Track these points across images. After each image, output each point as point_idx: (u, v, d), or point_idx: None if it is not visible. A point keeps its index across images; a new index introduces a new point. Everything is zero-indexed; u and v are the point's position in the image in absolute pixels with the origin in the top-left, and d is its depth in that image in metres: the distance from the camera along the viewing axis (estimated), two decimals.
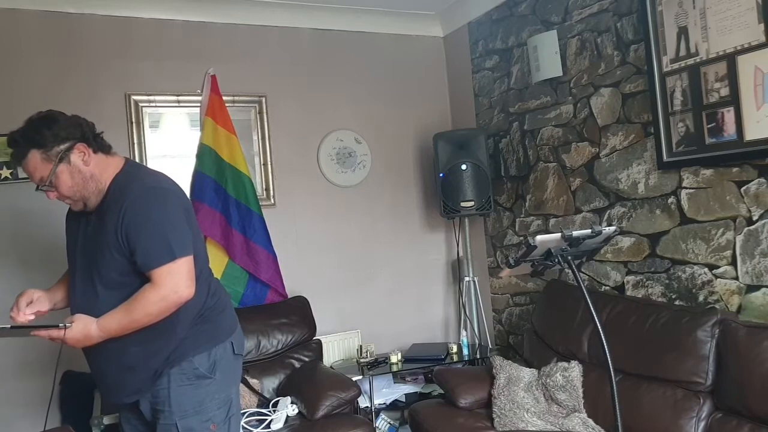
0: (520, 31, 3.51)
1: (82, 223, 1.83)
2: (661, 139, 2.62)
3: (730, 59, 2.30)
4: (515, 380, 2.73)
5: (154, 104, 3.40)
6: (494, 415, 2.65)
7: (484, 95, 3.87)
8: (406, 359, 3.47)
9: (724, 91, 2.33)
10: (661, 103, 2.60)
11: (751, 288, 2.35)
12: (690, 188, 2.56)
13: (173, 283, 1.69)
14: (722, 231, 2.44)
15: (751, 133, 2.25)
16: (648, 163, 2.75)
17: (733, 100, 2.30)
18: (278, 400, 2.92)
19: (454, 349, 3.56)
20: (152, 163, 3.32)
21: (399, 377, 3.65)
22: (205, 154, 3.37)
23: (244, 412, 2.77)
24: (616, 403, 1.78)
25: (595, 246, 1.95)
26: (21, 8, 3.09)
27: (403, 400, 3.52)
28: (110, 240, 1.71)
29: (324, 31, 3.83)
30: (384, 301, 3.95)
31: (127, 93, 3.32)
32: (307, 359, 3.28)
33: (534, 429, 2.49)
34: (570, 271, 1.82)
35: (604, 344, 1.78)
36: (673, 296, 2.68)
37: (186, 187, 3.31)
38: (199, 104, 3.47)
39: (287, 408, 2.85)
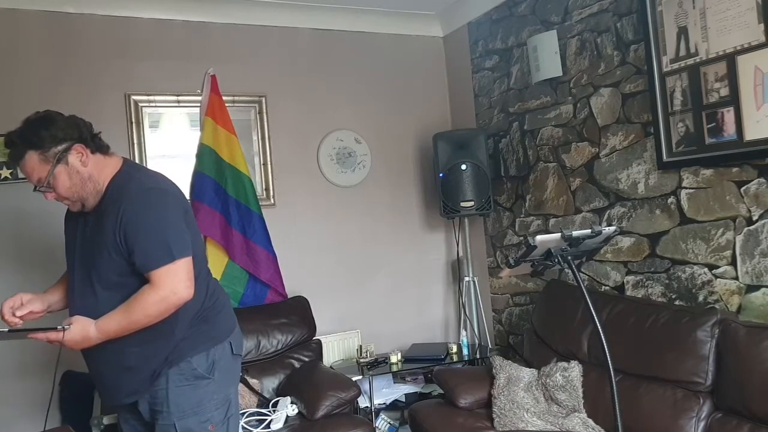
0: (520, 31, 3.51)
1: (81, 223, 1.82)
2: (661, 139, 2.62)
3: (730, 59, 2.30)
4: (515, 380, 2.73)
5: (153, 104, 3.40)
6: (494, 415, 2.65)
7: (484, 95, 3.87)
8: (406, 359, 3.47)
9: (724, 91, 2.33)
10: (661, 103, 2.60)
11: (751, 288, 2.35)
12: (690, 188, 2.56)
13: (172, 284, 1.69)
14: (722, 231, 2.44)
15: (751, 133, 2.25)
16: (648, 163, 2.75)
17: (733, 100, 2.30)
18: (278, 400, 2.92)
19: (454, 349, 3.56)
20: (152, 163, 3.32)
21: (399, 377, 3.65)
22: (204, 154, 3.37)
23: (244, 412, 2.77)
24: (616, 403, 1.78)
25: (595, 246, 1.95)
26: (21, 8, 3.09)
27: (403, 400, 3.52)
28: (108, 241, 1.70)
29: (324, 31, 3.83)
30: (384, 301, 3.95)
31: (126, 93, 3.32)
32: (306, 359, 3.28)
33: (534, 429, 2.49)
34: (570, 271, 1.82)
35: (604, 344, 1.78)
36: (673, 296, 2.68)
37: (186, 187, 3.32)
38: (199, 104, 3.47)
39: (287, 408, 2.85)
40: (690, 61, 2.47)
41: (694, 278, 2.58)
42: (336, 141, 3.86)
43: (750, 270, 2.34)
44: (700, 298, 2.56)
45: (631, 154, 2.83)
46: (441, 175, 3.61)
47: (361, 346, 3.57)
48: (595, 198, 3.07)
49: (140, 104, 3.35)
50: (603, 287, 3.04)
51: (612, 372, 1.77)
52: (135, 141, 3.33)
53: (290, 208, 3.71)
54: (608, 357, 1.77)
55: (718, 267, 2.47)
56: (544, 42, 3.19)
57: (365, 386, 3.29)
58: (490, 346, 3.78)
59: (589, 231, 1.81)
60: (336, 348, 3.71)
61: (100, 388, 1.92)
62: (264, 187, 3.65)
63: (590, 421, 2.46)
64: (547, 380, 2.65)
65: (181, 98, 3.45)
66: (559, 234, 1.78)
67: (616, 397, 1.78)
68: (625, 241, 2.90)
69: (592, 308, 1.80)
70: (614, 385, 1.78)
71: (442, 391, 3.06)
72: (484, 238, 3.96)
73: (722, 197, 2.42)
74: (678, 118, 2.55)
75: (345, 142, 3.88)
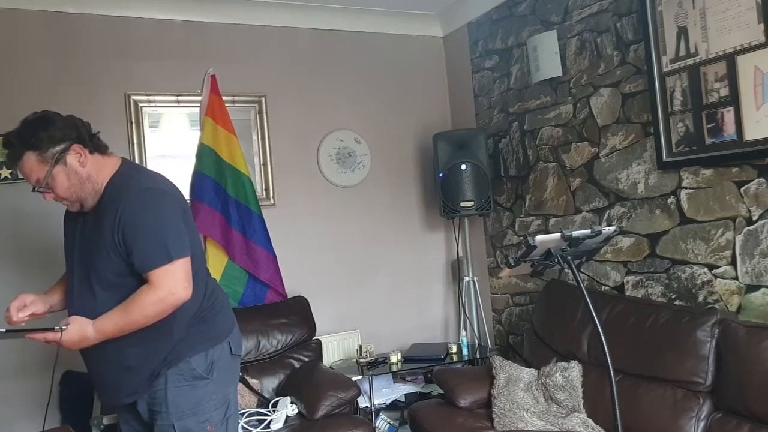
0: (520, 31, 3.51)
1: (79, 223, 1.82)
2: (661, 139, 2.62)
3: (730, 59, 2.30)
4: (515, 380, 2.73)
5: (153, 104, 3.40)
6: (494, 415, 2.64)
7: (484, 95, 3.87)
8: (405, 359, 3.47)
9: (724, 91, 2.33)
10: (661, 103, 2.60)
11: (751, 288, 2.35)
12: (690, 188, 2.56)
13: (170, 284, 1.68)
14: (722, 231, 2.44)
15: (751, 133, 2.25)
16: (648, 163, 2.75)
17: (733, 100, 2.30)
18: (278, 400, 2.92)
19: (454, 349, 3.56)
20: (152, 164, 3.32)
21: (399, 377, 3.65)
22: (204, 154, 3.37)
23: (244, 412, 2.77)
24: (616, 403, 1.78)
25: (594, 246, 1.95)
26: (21, 8, 3.09)
27: (403, 400, 3.52)
28: (107, 241, 1.70)
29: (324, 31, 3.83)
30: (384, 301, 3.95)
31: (126, 93, 3.32)
32: (306, 359, 3.28)
33: (534, 429, 2.49)
34: (570, 271, 1.82)
35: (604, 344, 1.77)
36: (673, 296, 2.68)
37: (185, 187, 3.32)
38: (198, 104, 3.47)
39: (287, 408, 2.85)
40: (690, 61, 2.47)
41: (694, 278, 2.58)
42: (336, 141, 3.86)
43: (750, 270, 2.34)
44: (700, 298, 2.56)
45: (631, 154, 2.83)
46: (441, 175, 3.61)
47: (361, 346, 3.56)
48: (595, 198, 3.07)
49: (140, 104, 3.35)
50: (603, 287, 3.04)
51: (612, 372, 1.77)
52: (135, 141, 3.33)
53: (290, 208, 3.71)
54: (608, 357, 1.77)
55: (718, 267, 2.47)
56: (544, 42, 3.19)
57: (365, 386, 3.29)
58: (490, 346, 3.78)
59: (589, 231, 1.81)
60: (336, 348, 3.71)
61: (99, 388, 1.92)
62: (264, 187, 3.65)
63: (590, 421, 2.46)
64: (547, 380, 2.65)
65: (181, 98, 3.45)
66: (559, 234, 1.78)
67: (616, 397, 1.77)
68: (625, 241, 2.90)
69: (592, 308, 1.80)
70: (614, 385, 1.78)
71: (441, 391, 3.06)
72: (484, 238, 3.96)
73: (722, 197, 2.42)
74: (678, 118, 2.55)
75: (345, 142, 3.88)
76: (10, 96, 2.98)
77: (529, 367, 2.85)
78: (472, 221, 3.93)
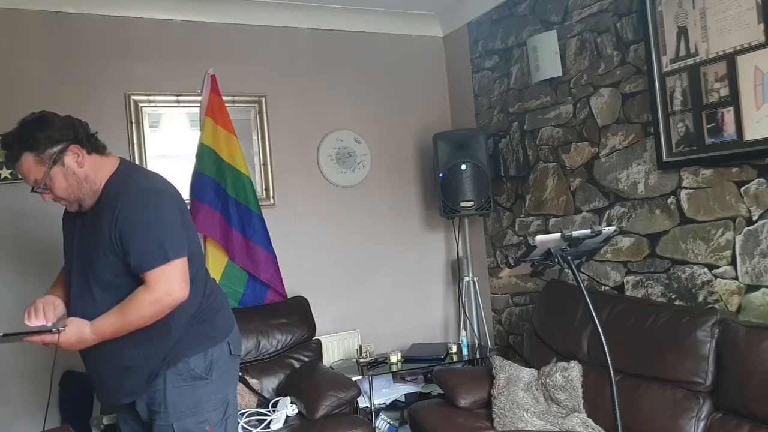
0: (520, 31, 3.51)
1: (78, 224, 1.82)
2: (661, 139, 2.62)
3: (730, 59, 2.30)
4: (515, 380, 2.73)
5: (153, 104, 3.40)
6: (494, 415, 2.64)
7: (484, 95, 3.87)
8: (405, 359, 3.47)
9: (724, 91, 2.33)
10: (661, 103, 2.60)
11: (751, 288, 2.35)
12: (690, 188, 2.56)
13: (167, 285, 1.68)
14: (722, 231, 2.44)
15: (751, 133, 2.25)
16: (648, 163, 2.75)
17: (733, 100, 2.30)
18: (278, 400, 2.92)
19: (454, 349, 3.56)
20: (152, 163, 3.32)
21: (399, 377, 3.65)
22: (204, 154, 3.37)
23: (244, 412, 2.77)
24: (616, 403, 1.78)
25: (594, 246, 1.95)
26: (21, 8, 3.09)
27: (403, 400, 3.52)
28: (104, 241, 1.70)
29: (324, 31, 3.83)
30: (384, 301, 3.95)
31: (126, 93, 3.32)
32: (306, 359, 3.28)
33: (534, 429, 2.49)
34: (570, 271, 1.82)
35: (604, 344, 1.77)
36: (673, 296, 2.68)
37: (185, 187, 3.32)
38: (198, 104, 3.47)
39: (287, 408, 2.85)
40: (690, 61, 2.47)
41: (694, 278, 2.58)
42: (336, 141, 3.86)
43: (750, 270, 2.34)
44: (700, 298, 2.56)
45: (631, 154, 2.83)
46: (441, 175, 3.61)
47: (360, 346, 3.56)
48: (595, 198, 3.07)
49: (140, 104, 3.35)
50: (603, 287, 3.04)
51: (612, 372, 1.77)
52: (135, 141, 3.33)
53: (290, 208, 3.71)
54: (608, 357, 1.77)
55: (717, 267, 2.47)
56: (544, 42, 3.19)
57: (365, 386, 3.29)
58: (489, 346, 3.78)
59: (588, 231, 1.81)
60: (336, 348, 3.71)
61: (98, 389, 1.92)
62: (264, 187, 3.65)
63: (590, 421, 2.46)
64: (547, 380, 2.65)
65: (181, 98, 3.45)
66: (559, 234, 1.78)
67: (615, 397, 1.77)
68: (625, 241, 2.90)
69: (592, 308, 1.80)
70: (614, 385, 1.78)
71: (441, 391, 3.06)
72: (483, 238, 3.96)
73: (722, 197, 2.42)
74: (678, 118, 2.55)
75: (345, 142, 3.88)
76: (10, 96, 2.98)
77: (529, 367, 2.84)
78: (472, 221, 3.93)
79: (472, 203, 3.54)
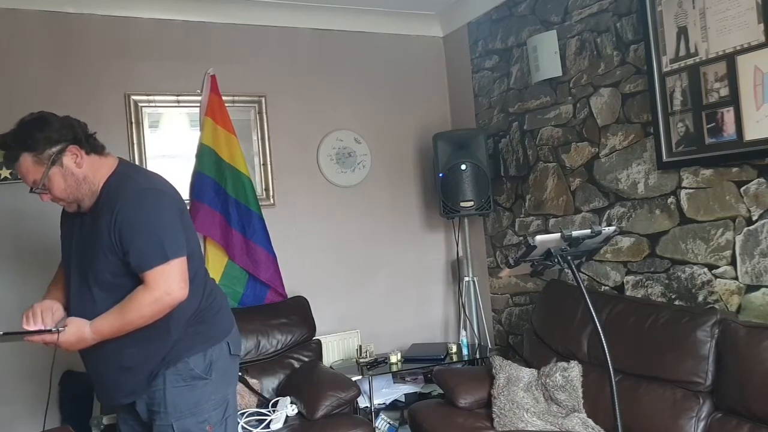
0: (520, 31, 3.51)
1: (77, 224, 1.82)
2: (661, 139, 2.62)
3: (730, 59, 2.30)
4: (515, 380, 2.73)
5: (153, 104, 3.40)
6: (494, 415, 2.64)
7: (484, 95, 3.87)
8: (405, 359, 3.47)
9: (724, 91, 2.33)
10: (661, 103, 2.60)
11: (751, 288, 2.35)
12: (690, 188, 2.56)
13: (166, 284, 1.68)
14: (722, 231, 2.44)
15: (751, 133, 2.25)
16: (648, 163, 2.75)
17: (733, 100, 2.30)
18: (278, 400, 2.92)
19: (454, 349, 3.56)
20: (152, 164, 3.32)
21: (399, 377, 3.65)
22: (204, 154, 3.37)
23: (244, 412, 2.77)
24: (616, 403, 1.78)
25: (594, 246, 1.95)
26: (21, 8, 3.09)
27: (403, 400, 3.52)
28: (104, 241, 1.70)
29: (324, 31, 3.83)
30: (384, 301, 3.95)
31: (126, 93, 3.32)
32: (306, 359, 3.28)
33: (534, 429, 2.49)
34: (570, 271, 1.82)
35: (604, 344, 1.77)
36: (673, 296, 2.68)
37: (185, 187, 3.32)
38: (198, 104, 3.47)
39: (287, 408, 2.85)
40: (690, 61, 2.46)
41: (693, 278, 2.58)
42: (336, 141, 3.86)
43: (750, 270, 2.34)
44: (700, 298, 2.56)
45: (631, 154, 2.83)
46: (441, 175, 3.61)
47: (360, 346, 3.57)
48: (595, 198, 3.07)
49: (140, 104, 3.35)
50: (603, 287, 3.04)
51: (612, 372, 1.77)
52: (135, 141, 3.33)
53: (290, 208, 3.71)
54: (608, 357, 1.77)
55: (717, 267, 2.47)
56: (544, 42, 3.19)
57: (365, 386, 3.29)
58: (489, 346, 3.78)
59: (588, 231, 1.81)
60: (336, 348, 3.71)
61: (98, 389, 1.92)
62: (264, 187, 3.65)
63: (590, 421, 2.46)
64: (547, 380, 2.65)
65: (180, 98, 3.45)
66: (559, 234, 1.78)
67: (615, 397, 1.77)
68: (625, 241, 2.90)
69: (591, 308, 1.80)
70: (614, 385, 1.78)
71: (441, 391, 3.06)
72: (483, 238, 3.96)
73: (722, 197, 2.42)
74: (678, 118, 2.54)
75: (345, 142, 3.88)
76: (10, 96, 2.98)
77: (529, 367, 2.84)
78: (472, 221, 3.93)
79: (472, 203, 3.54)
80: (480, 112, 3.92)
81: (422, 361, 3.50)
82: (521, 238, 3.63)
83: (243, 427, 2.69)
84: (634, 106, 2.79)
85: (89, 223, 1.77)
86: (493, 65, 3.77)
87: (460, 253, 3.98)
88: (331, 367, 3.46)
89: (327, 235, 3.81)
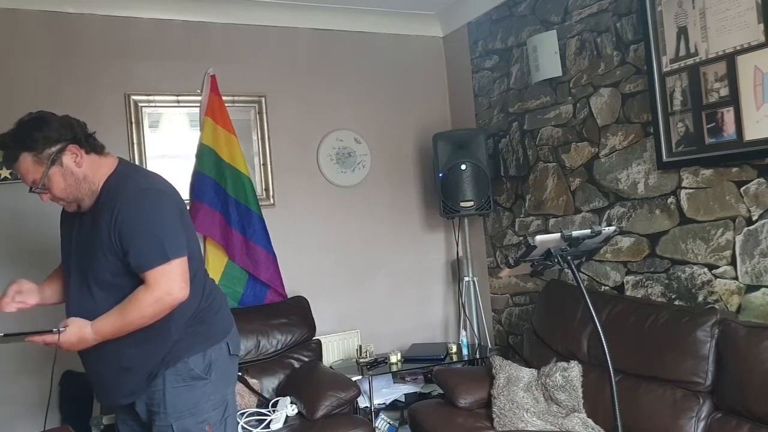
0: (520, 31, 3.51)
1: (76, 224, 1.82)
2: (661, 139, 2.62)
3: (730, 59, 2.30)
4: (515, 380, 2.73)
5: (153, 104, 3.40)
6: (494, 415, 2.64)
7: (484, 95, 3.87)
8: (405, 359, 3.47)
9: (724, 91, 2.33)
10: (661, 103, 2.60)
11: (751, 288, 2.35)
12: (689, 188, 2.56)
13: (167, 284, 1.68)
14: (722, 231, 2.44)
15: (751, 133, 2.25)
16: (648, 163, 2.75)
17: (733, 100, 2.30)
18: (278, 400, 2.92)
19: (454, 349, 3.56)
20: (152, 164, 3.32)
21: (399, 377, 3.65)
22: (204, 154, 3.37)
23: (244, 412, 2.77)
24: (616, 403, 1.78)
25: (594, 246, 1.95)
26: (21, 8, 3.09)
27: (403, 400, 3.52)
28: (104, 241, 1.70)
29: (324, 31, 3.83)
30: (384, 301, 3.95)
31: (126, 93, 3.32)
32: (306, 359, 3.28)
33: (534, 429, 2.49)
34: (569, 271, 1.82)
35: (604, 344, 1.77)
36: (673, 296, 2.68)
37: (185, 187, 3.32)
38: (198, 104, 3.47)
39: (287, 408, 2.85)
40: (690, 61, 2.46)
41: (693, 278, 2.58)
42: (336, 141, 3.86)
43: (750, 270, 2.34)
44: (700, 298, 2.56)
45: (631, 154, 2.83)
46: (441, 175, 3.61)
47: (360, 346, 3.57)
48: (595, 198, 3.07)
49: (140, 104, 3.35)
50: (603, 287, 3.04)
51: (612, 372, 1.77)
52: (135, 141, 3.33)
53: (290, 208, 3.71)
54: (608, 357, 1.77)
55: (717, 267, 2.47)
56: (544, 42, 3.19)
57: (365, 386, 3.29)
58: (489, 346, 3.78)
59: (588, 231, 1.81)
60: (336, 348, 3.71)
61: (97, 389, 1.92)
62: (264, 187, 3.65)
63: (590, 421, 2.46)
64: (547, 380, 2.65)
65: (180, 98, 3.45)
66: (559, 234, 1.77)
67: (615, 397, 1.77)
68: (625, 241, 2.90)
69: (591, 308, 1.80)
70: (614, 385, 1.78)
71: (441, 391, 3.06)
72: (483, 238, 3.96)
73: (722, 197, 2.42)
74: (678, 118, 2.54)
75: (345, 142, 3.88)
76: (10, 96, 2.97)
77: (529, 367, 2.84)
78: (472, 221, 3.93)
79: (472, 203, 3.54)
80: (480, 112, 3.92)
81: (422, 361, 3.50)
82: (521, 238, 3.63)
83: (243, 427, 2.69)
84: (634, 106, 2.79)
85: (89, 222, 1.77)
86: (493, 65, 3.77)
87: (460, 253, 3.98)
88: (331, 367, 3.46)
89: (327, 235, 3.81)
